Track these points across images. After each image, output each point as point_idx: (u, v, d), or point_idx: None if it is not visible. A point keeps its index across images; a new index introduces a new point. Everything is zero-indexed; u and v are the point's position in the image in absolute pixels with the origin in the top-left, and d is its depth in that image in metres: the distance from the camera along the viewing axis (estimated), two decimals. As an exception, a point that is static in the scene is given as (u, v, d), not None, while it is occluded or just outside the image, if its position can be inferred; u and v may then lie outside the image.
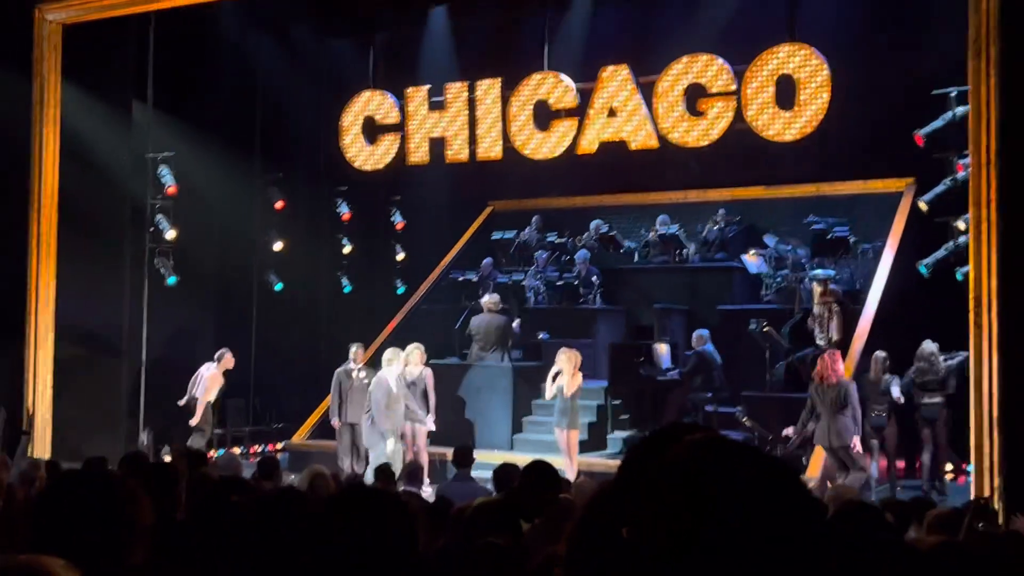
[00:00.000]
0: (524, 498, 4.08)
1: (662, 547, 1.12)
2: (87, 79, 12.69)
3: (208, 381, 12.61)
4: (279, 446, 14.88)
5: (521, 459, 6.30)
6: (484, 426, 12.51)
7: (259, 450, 15.14)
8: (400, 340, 13.89)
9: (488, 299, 13.45)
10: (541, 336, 14.37)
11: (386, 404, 11.52)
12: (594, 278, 15.03)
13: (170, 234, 13.49)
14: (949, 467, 12.37)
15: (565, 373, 11.18)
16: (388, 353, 11.96)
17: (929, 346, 11.57)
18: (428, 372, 11.83)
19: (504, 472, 6.21)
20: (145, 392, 13.35)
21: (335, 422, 12.36)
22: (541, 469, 4.82)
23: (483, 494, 6.50)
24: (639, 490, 1.18)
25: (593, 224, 16.25)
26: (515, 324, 13.38)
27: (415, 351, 11.96)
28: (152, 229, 13.49)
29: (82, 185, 12.66)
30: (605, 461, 11.81)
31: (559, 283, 15.30)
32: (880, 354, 11.63)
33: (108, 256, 13.37)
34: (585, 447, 12.15)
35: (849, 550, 2.18)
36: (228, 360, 12.71)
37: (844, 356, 11.90)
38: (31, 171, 12.31)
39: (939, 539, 2.63)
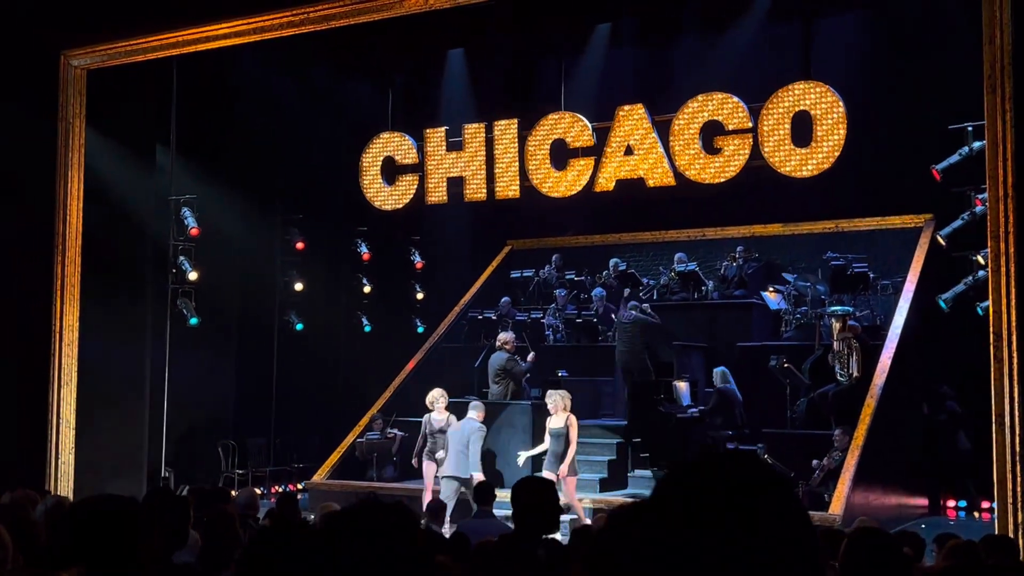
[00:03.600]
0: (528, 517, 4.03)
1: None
2: (111, 123, 12.88)
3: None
4: (299, 485, 14.94)
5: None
6: (504, 464, 12.42)
7: (279, 489, 15.16)
8: (421, 378, 14.00)
9: (502, 337, 13.45)
10: (561, 374, 14.19)
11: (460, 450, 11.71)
12: (612, 316, 14.97)
13: (192, 275, 13.59)
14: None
15: (555, 412, 11.04)
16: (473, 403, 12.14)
17: None
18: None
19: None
20: (167, 431, 13.40)
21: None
22: (532, 484, 4.75)
23: (503, 530, 6.42)
24: (675, 511, 1.16)
25: (612, 262, 16.34)
26: (530, 356, 13.31)
27: (440, 398, 11.97)
28: (174, 270, 13.61)
29: (106, 227, 12.82)
30: (625, 500, 11.81)
31: (578, 321, 15.28)
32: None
33: (131, 297, 13.41)
34: (605, 485, 12.08)
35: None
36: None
37: (865, 392, 11.83)
38: (56, 214, 12.46)
39: (950, 564, 2.60)
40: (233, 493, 9.52)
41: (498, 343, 13.37)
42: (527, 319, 15.54)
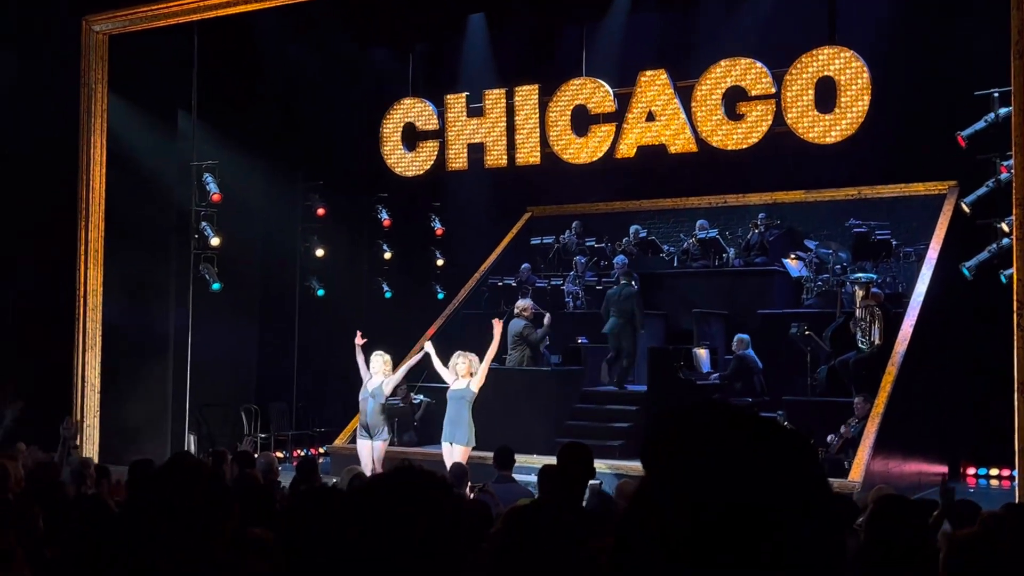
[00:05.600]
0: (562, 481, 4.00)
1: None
2: (133, 89, 12.84)
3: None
4: (321, 450, 14.87)
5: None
6: (524, 431, 12.16)
7: (301, 454, 15.10)
8: (440, 345, 14.04)
9: (520, 304, 13.31)
10: (580, 340, 14.19)
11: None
12: (633, 283, 14.91)
13: (214, 241, 13.60)
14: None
15: (456, 376, 10.38)
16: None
17: None
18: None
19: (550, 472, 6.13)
20: (190, 396, 13.40)
21: None
22: (575, 449, 4.70)
23: (525, 495, 6.39)
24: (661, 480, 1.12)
25: (632, 229, 16.20)
26: (546, 319, 13.00)
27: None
28: (197, 236, 13.55)
29: (128, 193, 12.76)
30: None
31: (598, 287, 15.13)
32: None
33: (154, 262, 13.43)
34: (626, 452, 11.99)
35: (881, 542, 2.13)
36: None
37: (887, 360, 11.76)
38: (79, 179, 12.38)
39: (972, 530, 2.60)
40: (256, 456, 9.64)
41: (516, 310, 13.24)
42: (547, 286, 15.40)
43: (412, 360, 11.11)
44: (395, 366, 11.03)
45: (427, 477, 1.64)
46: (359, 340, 10.58)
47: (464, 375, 10.28)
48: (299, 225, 15.83)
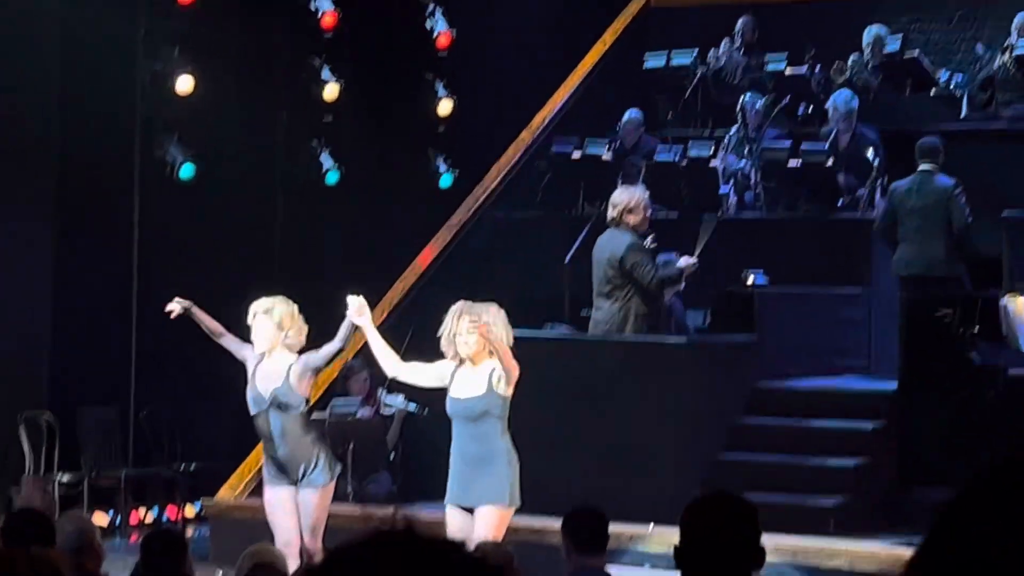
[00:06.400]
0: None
1: None
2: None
3: None
4: (190, 510, 9.46)
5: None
6: (630, 474, 7.88)
7: (149, 520, 9.36)
8: (446, 283, 8.79)
9: (622, 198, 8.34)
10: (752, 277, 8.93)
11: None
12: (870, 152, 9.34)
13: None
14: None
15: (466, 355, 6.13)
16: None
17: None
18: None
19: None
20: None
21: None
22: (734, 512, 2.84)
23: None
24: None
25: (870, 34, 10.36)
26: (648, 241, 8.40)
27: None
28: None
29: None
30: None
31: (791, 164, 9.49)
32: None
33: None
34: (852, 517, 7.67)
35: None
36: None
37: None
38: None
39: None
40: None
41: (612, 211, 8.31)
42: (678, 160, 9.84)
43: (359, 319, 6.37)
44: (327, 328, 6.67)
45: (450, 557, 0.97)
46: (175, 306, 6.67)
47: (476, 357, 6.13)
48: (143, 27, 9.22)
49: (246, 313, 6.26)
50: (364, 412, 8.23)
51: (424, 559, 1.00)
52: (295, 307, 6.26)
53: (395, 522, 1.01)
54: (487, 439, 6.35)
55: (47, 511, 6.64)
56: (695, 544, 2.74)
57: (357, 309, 6.14)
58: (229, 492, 8.82)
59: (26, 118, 8.64)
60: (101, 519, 8.61)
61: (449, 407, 6.33)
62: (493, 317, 6.19)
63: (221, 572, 6.89)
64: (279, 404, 6.42)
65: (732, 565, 2.74)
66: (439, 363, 6.29)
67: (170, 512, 9.11)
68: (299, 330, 6.30)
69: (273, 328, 6.28)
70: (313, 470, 6.57)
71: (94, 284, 9.08)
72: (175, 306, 6.35)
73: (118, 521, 8.83)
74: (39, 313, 8.92)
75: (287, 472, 6.64)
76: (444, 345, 6.19)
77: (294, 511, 6.62)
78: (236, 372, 9.34)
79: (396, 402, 8.24)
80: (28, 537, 4.38)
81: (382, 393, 8.09)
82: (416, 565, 1.00)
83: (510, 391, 6.26)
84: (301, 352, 6.31)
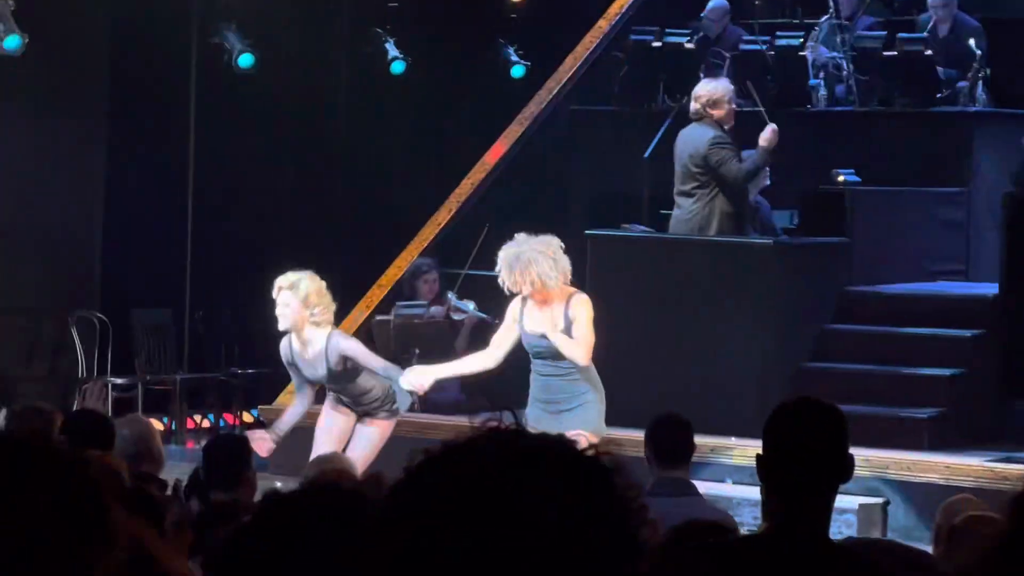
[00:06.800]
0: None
1: None
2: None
3: None
4: (250, 415, 9.07)
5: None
6: (713, 385, 7.66)
7: (206, 425, 9.26)
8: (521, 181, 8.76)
9: (707, 90, 7.93)
10: (843, 176, 8.39)
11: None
12: (971, 42, 8.92)
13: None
14: None
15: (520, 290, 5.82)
16: None
17: None
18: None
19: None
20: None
21: None
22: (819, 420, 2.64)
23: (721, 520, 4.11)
24: None
25: None
26: (766, 135, 8.02)
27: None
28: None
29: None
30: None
31: (887, 55, 8.90)
32: None
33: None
34: (946, 432, 7.40)
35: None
36: None
37: None
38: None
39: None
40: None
41: (695, 104, 7.95)
42: (764, 48, 9.19)
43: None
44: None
45: (566, 452, 1.03)
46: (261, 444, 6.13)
47: (536, 296, 5.84)
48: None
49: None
50: (431, 315, 7.93)
51: (541, 453, 1.02)
52: (323, 283, 5.95)
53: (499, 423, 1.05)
54: (569, 373, 6.02)
55: (102, 415, 6.38)
56: (779, 452, 2.58)
57: (414, 386, 5.93)
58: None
59: (78, 7, 8.28)
60: (156, 425, 8.28)
61: (523, 339, 6.00)
62: (551, 251, 5.78)
63: (279, 483, 6.50)
64: (334, 380, 6.20)
65: (818, 475, 2.57)
66: (507, 315, 5.98)
67: (226, 419, 8.83)
68: (327, 307, 5.98)
69: (298, 304, 5.95)
70: (378, 407, 6.34)
71: (148, 181, 8.81)
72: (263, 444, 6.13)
73: (173, 427, 8.64)
74: (91, 210, 8.69)
75: (350, 407, 6.43)
76: (507, 289, 5.89)
77: (342, 439, 6.40)
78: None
79: (467, 307, 7.92)
80: (87, 440, 4.25)
81: (452, 297, 7.76)
82: (534, 459, 1.02)
83: (585, 354, 5.90)
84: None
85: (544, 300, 5.76)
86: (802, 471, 2.54)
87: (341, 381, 6.22)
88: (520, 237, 5.89)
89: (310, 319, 5.95)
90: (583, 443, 1.17)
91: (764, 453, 2.58)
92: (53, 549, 1.23)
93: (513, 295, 5.92)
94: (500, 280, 5.80)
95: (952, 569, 2.66)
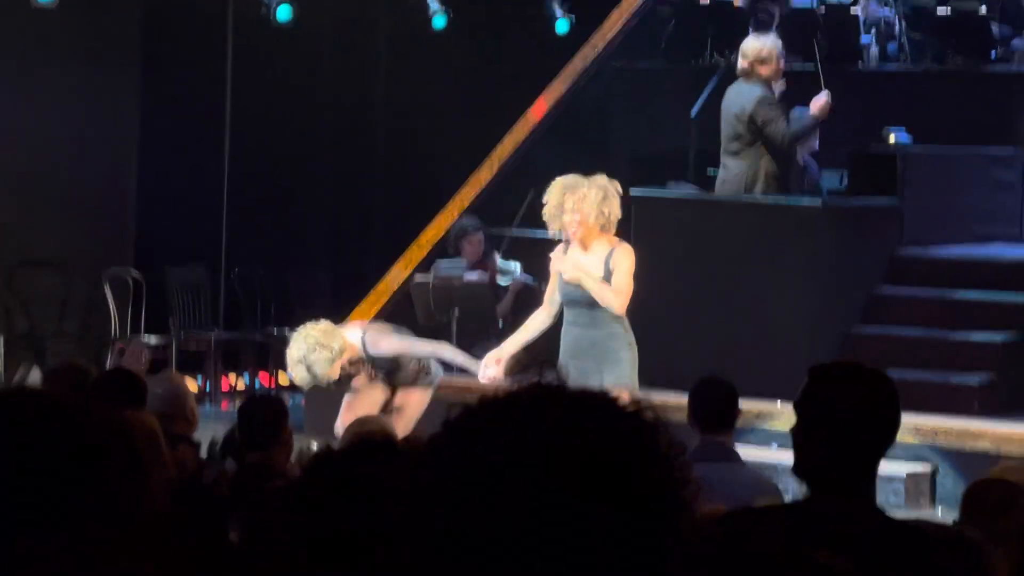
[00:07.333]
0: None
1: None
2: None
3: None
4: (284, 378, 8.44)
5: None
6: (759, 348, 7.38)
7: (242, 386, 9.00)
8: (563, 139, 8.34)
9: (753, 46, 7.53)
10: (894, 136, 8.13)
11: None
12: None
13: None
14: None
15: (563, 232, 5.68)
16: None
17: None
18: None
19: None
20: None
21: None
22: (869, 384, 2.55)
23: (766, 490, 4.43)
24: None
25: None
26: (817, 104, 7.63)
27: None
28: None
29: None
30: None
31: (940, 12, 8.69)
32: None
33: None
34: (996, 399, 7.15)
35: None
36: None
37: None
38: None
39: None
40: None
41: (742, 61, 7.57)
42: (816, 6, 9.02)
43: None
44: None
45: (609, 405, 1.04)
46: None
47: (585, 239, 5.64)
48: None
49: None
50: (472, 276, 7.75)
51: (583, 406, 1.03)
52: (335, 348, 5.91)
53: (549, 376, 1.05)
54: (602, 324, 5.86)
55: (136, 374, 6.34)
56: (816, 415, 2.44)
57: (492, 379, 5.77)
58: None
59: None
60: (190, 385, 7.93)
61: (559, 288, 5.80)
62: (596, 195, 5.61)
63: (315, 443, 6.66)
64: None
65: (859, 441, 2.42)
66: (551, 265, 5.84)
67: (262, 379, 8.68)
68: (330, 337, 5.99)
69: (322, 376, 5.96)
70: (420, 377, 6.26)
71: (184, 135, 8.59)
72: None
73: (207, 387, 8.52)
74: (125, 165, 8.47)
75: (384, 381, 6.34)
76: (547, 218, 5.76)
77: (376, 406, 6.27)
78: (333, 233, 8.96)
79: (512, 270, 7.77)
80: (118, 399, 4.20)
81: (497, 257, 7.58)
82: (577, 412, 1.03)
83: (622, 304, 5.79)
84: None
85: (586, 245, 5.58)
86: (840, 437, 2.42)
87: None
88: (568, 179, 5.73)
89: (328, 382, 6.03)
90: (625, 398, 1.14)
91: (799, 417, 2.46)
92: (91, 509, 1.20)
93: (550, 242, 5.78)
94: (544, 208, 5.63)
95: (977, 535, 2.50)
